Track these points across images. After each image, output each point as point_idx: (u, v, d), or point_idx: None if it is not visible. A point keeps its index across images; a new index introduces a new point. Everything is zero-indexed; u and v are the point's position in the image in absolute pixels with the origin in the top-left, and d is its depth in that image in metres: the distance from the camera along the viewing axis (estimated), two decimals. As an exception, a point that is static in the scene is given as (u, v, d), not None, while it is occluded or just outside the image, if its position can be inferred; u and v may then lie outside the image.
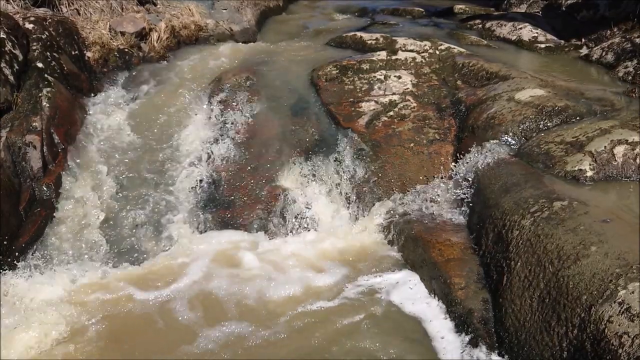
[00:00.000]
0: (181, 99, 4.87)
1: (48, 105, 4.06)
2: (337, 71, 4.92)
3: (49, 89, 4.18)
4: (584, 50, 5.44)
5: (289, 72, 5.09)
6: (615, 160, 3.13)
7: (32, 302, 3.17)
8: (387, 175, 4.01)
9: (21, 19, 4.51)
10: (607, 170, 3.13)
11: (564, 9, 6.37)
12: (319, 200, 4.00)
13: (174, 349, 2.90)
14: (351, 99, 4.59)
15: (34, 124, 3.88)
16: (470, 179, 3.63)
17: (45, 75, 4.29)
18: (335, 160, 4.12)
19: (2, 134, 3.73)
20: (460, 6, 7.56)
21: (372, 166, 4.05)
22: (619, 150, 3.15)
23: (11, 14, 4.52)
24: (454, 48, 5.18)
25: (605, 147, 3.20)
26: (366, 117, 4.37)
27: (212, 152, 4.28)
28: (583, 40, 5.61)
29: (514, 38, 5.88)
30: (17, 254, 3.42)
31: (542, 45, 5.62)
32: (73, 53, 4.82)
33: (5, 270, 3.34)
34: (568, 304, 2.37)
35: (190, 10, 6.26)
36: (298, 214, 3.95)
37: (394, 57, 5.06)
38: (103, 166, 4.12)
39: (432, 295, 3.18)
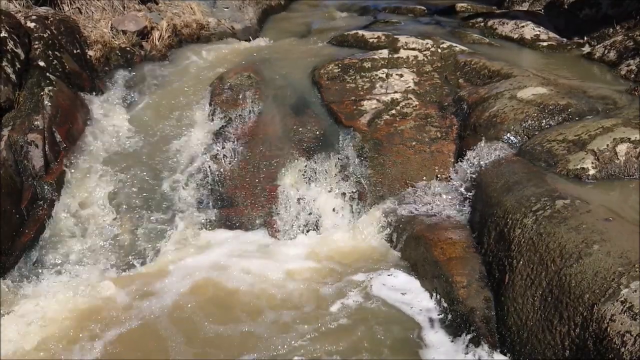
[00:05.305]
0: (183, 98, 4.87)
1: (50, 104, 4.06)
2: (339, 69, 4.92)
3: (50, 87, 4.18)
4: (587, 49, 5.42)
5: (291, 71, 5.08)
6: (618, 158, 3.12)
7: (32, 302, 3.17)
8: (388, 173, 4.01)
9: (23, 18, 4.51)
10: (609, 168, 3.12)
11: (566, 7, 6.34)
12: (321, 199, 4.00)
13: (176, 349, 2.90)
14: (353, 98, 4.58)
15: (36, 122, 3.88)
16: (472, 177, 3.63)
17: (47, 74, 4.29)
18: (337, 159, 4.11)
19: (4, 132, 3.73)
20: (462, 4, 7.54)
21: (374, 164, 4.05)
22: (622, 148, 3.14)
23: (13, 12, 4.52)
24: (456, 46, 5.17)
25: (607, 145, 3.19)
26: (368, 116, 4.36)
27: (213, 150, 4.28)
28: (585, 38, 5.59)
29: (516, 36, 5.86)
30: (18, 252, 3.43)
31: (545, 44, 5.61)
32: (75, 52, 4.82)
33: (6, 269, 3.34)
34: (570, 303, 2.36)
35: (192, 8, 6.27)
36: (299, 213, 3.95)
37: (395, 56, 5.05)
38: (105, 164, 4.13)
39: (434, 294, 3.18)
